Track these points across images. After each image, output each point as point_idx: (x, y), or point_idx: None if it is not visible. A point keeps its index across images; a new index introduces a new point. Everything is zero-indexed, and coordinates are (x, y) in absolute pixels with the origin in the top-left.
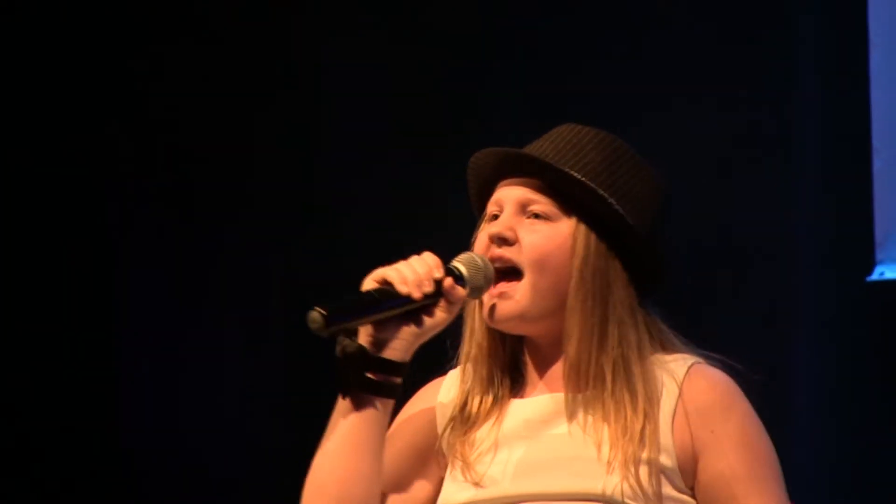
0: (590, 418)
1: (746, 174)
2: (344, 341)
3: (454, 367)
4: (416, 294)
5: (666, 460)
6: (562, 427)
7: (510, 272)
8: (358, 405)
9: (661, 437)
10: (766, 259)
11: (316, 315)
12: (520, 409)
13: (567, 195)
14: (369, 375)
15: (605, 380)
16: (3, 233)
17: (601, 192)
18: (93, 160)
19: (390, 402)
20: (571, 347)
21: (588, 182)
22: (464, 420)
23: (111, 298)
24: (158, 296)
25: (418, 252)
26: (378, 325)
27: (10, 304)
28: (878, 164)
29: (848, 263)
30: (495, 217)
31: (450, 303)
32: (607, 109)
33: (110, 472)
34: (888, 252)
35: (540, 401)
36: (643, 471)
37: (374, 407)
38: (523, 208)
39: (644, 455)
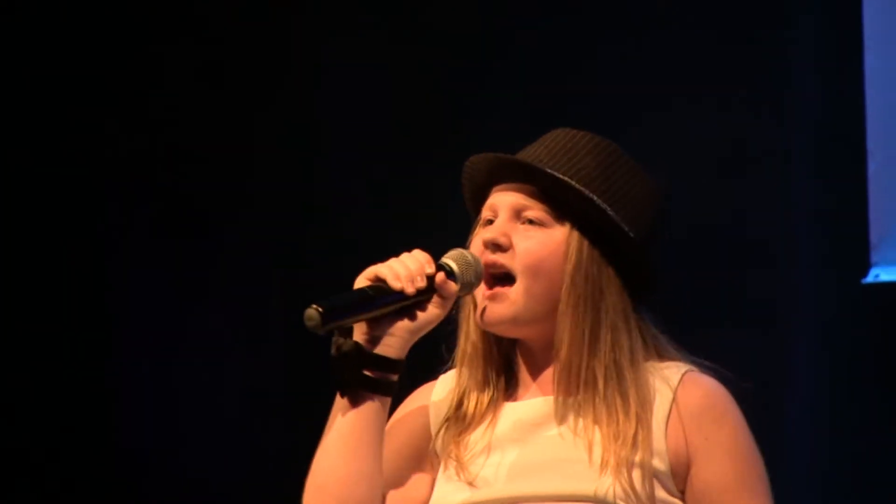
0: (581, 421)
1: (742, 177)
2: (339, 340)
3: (446, 371)
4: (410, 289)
5: (659, 464)
6: (554, 430)
7: (504, 278)
8: (356, 403)
9: (655, 441)
10: (762, 261)
11: (312, 312)
12: (513, 412)
13: (561, 201)
14: (367, 373)
15: (596, 384)
16: (2, 233)
17: (595, 198)
18: (93, 160)
19: (388, 400)
20: (563, 352)
21: (582, 188)
22: (458, 421)
23: (111, 298)
24: (158, 296)
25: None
26: (372, 323)
27: (10, 304)
28: (872, 167)
29: (843, 266)
30: (489, 222)
31: (442, 298)
32: (607, 110)
33: (110, 473)
34: (883, 254)
35: (532, 404)
36: (636, 474)
37: (373, 404)
38: (517, 214)
39: (637, 458)
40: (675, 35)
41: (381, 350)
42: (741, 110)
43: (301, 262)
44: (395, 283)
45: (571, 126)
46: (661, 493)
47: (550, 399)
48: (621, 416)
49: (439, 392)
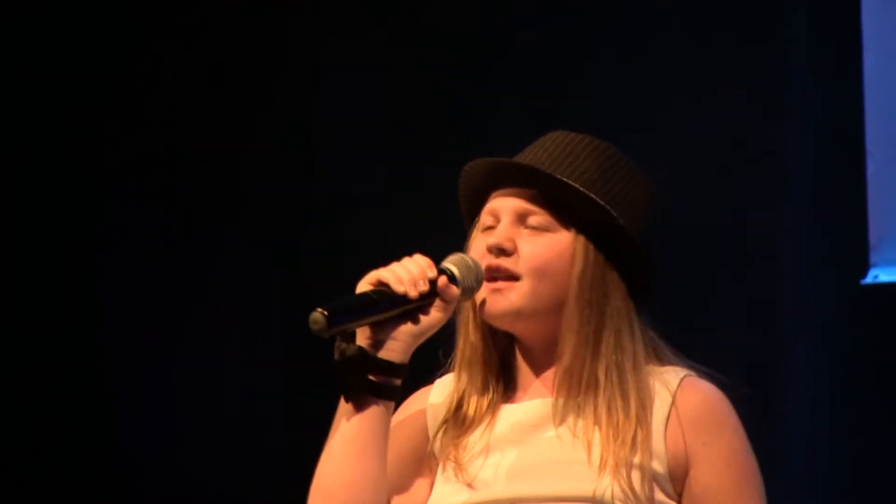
0: (581, 423)
1: (741, 178)
2: (342, 345)
3: (442, 374)
4: (413, 293)
5: (658, 466)
6: (552, 431)
7: (509, 277)
8: (360, 408)
9: (654, 443)
10: (760, 261)
11: (318, 316)
12: (511, 414)
13: (564, 204)
14: (371, 377)
15: (598, 385)
16: (2, 233)
17: (601, 202)
18: (93, 160)
19: (391, 404)
20: (567, 355)
21: (587, 192)
22: (457, 423)
23: (111, 298)
24: (158, 296)
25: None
26: (376, 327)
27: (9, 304)
28: (871, 168)
29: (842, 266)
30: (489, 228)
31: (445, 302)
32: (607, 110)
33: (110, 473)
34: (882, 255)
35: (531, 405)
36: (635, 475)
37: (377, 409)
38: (521, 218)
39: (636, 460)
40: (675, 35)
41: (384, 354)
42: (741, 110)
43: (301, 262)
44: (398, 287)
45: (572, 127)
46: (659, 495)
47: (549, 401)
48: (621, 417)
49: (437, 395)
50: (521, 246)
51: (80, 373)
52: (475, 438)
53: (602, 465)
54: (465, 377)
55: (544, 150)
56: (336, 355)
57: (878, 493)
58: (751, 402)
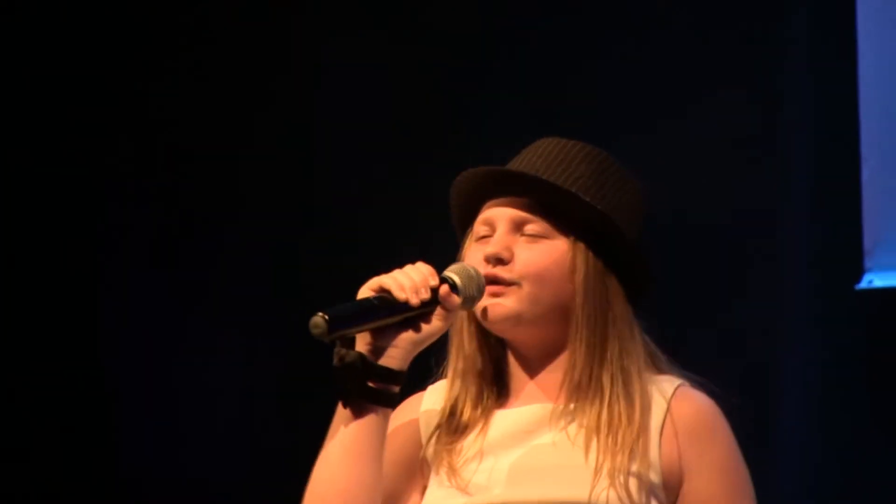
0: (580, 428)
1: (741, 178)
2: (342, 350)
3: (434, 381)
4: (414, 300)
5: (653, 476)
6: (548, 436)
7: (509, 285)
8: (358, 414)
9: (650, 451)
10: (754, 266)
11: (319, 320)
12: (505, 419)
13: (561, 211)
14: (370, 384)
15: (602, 392)
16: (1, 233)
17: (598, 207)
18: (93, 160)
19: (389, 411)
20: (578, 364)
21: (585, 198)
22: (450, 429)
23: (110, 298)
24: (158, 296)
25: (416, 257)
26: (376, 334)
27: (9, 304)
28: (866, 173)
29: (836, 271)
30: (484, 237)
31: (446, 310)
32: (607, 110)
33: (110, 474)
34: (877, 260)
35: (527, 411)
36: (633, 482)
37: (375, 416)
38: (518, 227)
39: (634, 468)
40: (675, 35)
41: (384, 361)
42: (741, 110)
43: (301, 262)
44: (399, 295)
45: (572, 127)
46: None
47: (546, 406)
48: (624, 423)
49: (429, 402)
50: (518, 254)
51: (80, 373)
52: (469, 443)
53: (598, 471)
54: (458, 384)
55: (537, 157)
56: (335, 361)
57: (870, 497)
58: (746, 404)
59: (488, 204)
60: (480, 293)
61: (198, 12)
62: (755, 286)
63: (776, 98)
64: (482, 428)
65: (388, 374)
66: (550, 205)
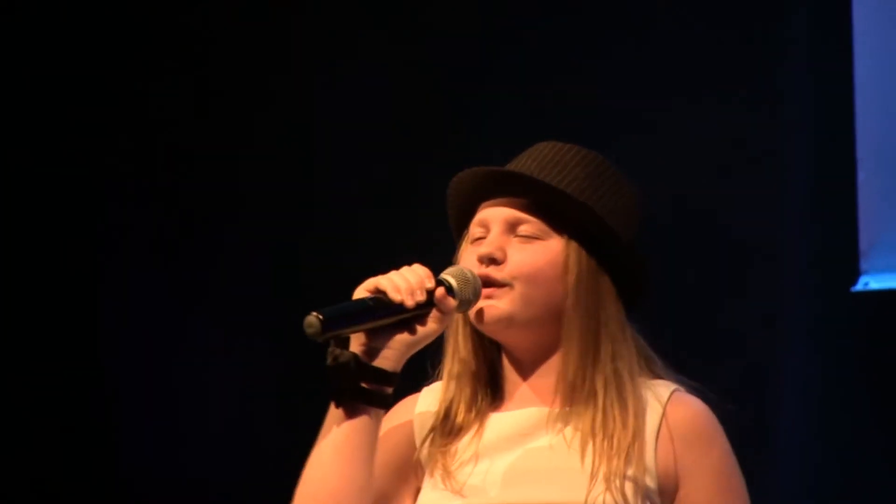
0: (575, 431)
1: (740, 178)
2: (336, 350)
3: (429, 383)
4: (410, 302)
5: (649, 481)
6: (544, 439)
7: (501, 286)
8: (351, 414)
9: (646, 456)
10: (751, 268)
11: (313, 319)
12: (500, 422)
13: (556, 212)
14: (363, 385)
15: (596, 395)
16: (2, 233)
17: (592, 207)
18: (93, 160)
19: (382, 412)
20: (570, 365)
21: (578, 198)
22: (445, 432)
23: (110, 298)
24: (158, 296)
25: (415, 257)
26: (370, 334)
27: (8, 304)
28: (862, 175)
29: (832, 274)
30: (479, 239)
31: (441, 313)
32: (607, 110)
33: (110, 474)
34: (873, 262)
35: (522, 414)
36: (629, 487)
37: (367, 417)
38: (512, 228)
39: (630, 472)
40: (675, 35)
41: (378, 362)
42: (741, 110)
43: (301, 262)
44: (395, 296)
45: (572, 128)
46: None
47: (542, 409)
48: (619, 426)
49: (424, 404)
50: (511, 255)
51: (80, 373)
52: (463, 446)
53: (594, 474)
54: (453, 387)
55: (532, 160)
56: (329, 360)
57: (870, 497)
58: (746, 404)
59: (483, 205)
60: (477, 297)
61: (198, 12)
62: (754, 286)
63: (776, 98)
64: (477, 431)
65: (382, 375)
66: (545, 206)
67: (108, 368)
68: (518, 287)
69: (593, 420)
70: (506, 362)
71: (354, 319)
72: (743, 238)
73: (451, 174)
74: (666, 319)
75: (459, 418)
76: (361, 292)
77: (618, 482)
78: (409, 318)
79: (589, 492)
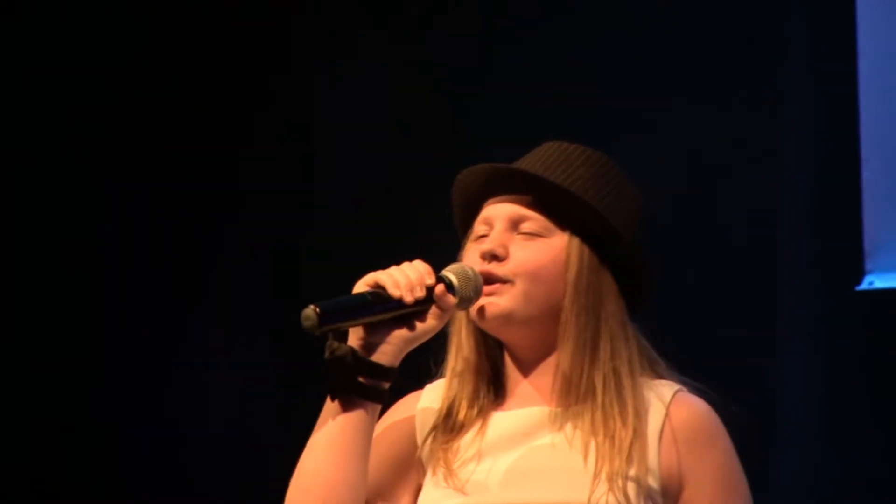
0: (576, 430)
1: (740, 178)
2: (333, 344)
3: (433, 381)
4: (409, 298)
5: (652, 481)
6: (547, 438)
7: (503, 282)
8: (347, 408)
9: (649, 456)
10: (755, 267)
11: (310, 312)
12: (503, 421)
13: (559, 210)
14: (360, 379)
15: (595, 393)
16: (2, 233)
17: (595, 205)
18: (93, 160)
19: (378, 407)
20: (565, 362)
21: (582, 196)
22: (447, 429)
23: (110, 298)
24: (158, 296)
25: (416, 257)
26: (368, 329)
27: (8, 304)
28: (866, 174)
29: (837, 273)
30: (482, 236)
31: (440, 310)
32: (607, 110)
33: (109, 474)
34: (877, 261)
35: (525, 413)
36: (631, 487)
37: (363, 411)
38: (515, 225)
39: (632, 472)
40: (675, 35)
41: (375, 357)
42: (741, 110)
43: (301, 262)
44: (394, 291)
45: (572, 128)
46: None
47: (544, 408)
48: (619, 425)
49: (426, 401)
50: (513, 251)
51: (80, 373)
52: (466, 444)
53: (597, 474)
54: (456, 385)
55: (538, 159)
56: (326, 354)
57: (870, 497)
58: (747, 404)
59: (487, 203)
60: (477, 294)
61: (198, 12)
62: (754, 286)
63: (776, 98)
64: (480, 429)
65: (379, 370)
66: (548, 203)
67: (108, 368)
68: (520, 284)
69: (593, 418)
70: (508, 360)
71: (352, 314)
72: (743, 238)
73: (451, 174)
74: (666, 319)
75: (462, 416)
76: (361, 286)
77: (620, 482)
78: (407, 313)
79: (592, 492)
